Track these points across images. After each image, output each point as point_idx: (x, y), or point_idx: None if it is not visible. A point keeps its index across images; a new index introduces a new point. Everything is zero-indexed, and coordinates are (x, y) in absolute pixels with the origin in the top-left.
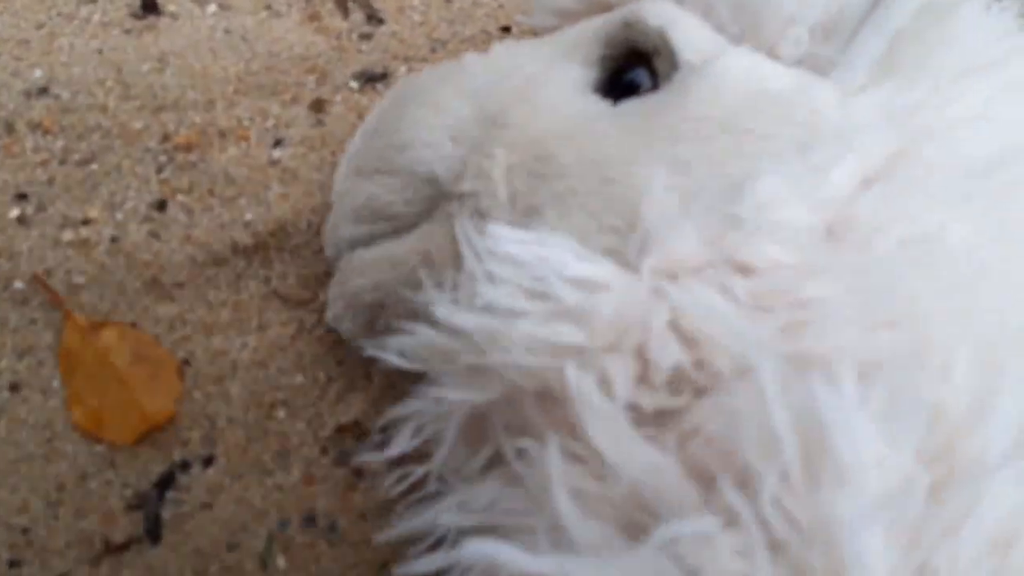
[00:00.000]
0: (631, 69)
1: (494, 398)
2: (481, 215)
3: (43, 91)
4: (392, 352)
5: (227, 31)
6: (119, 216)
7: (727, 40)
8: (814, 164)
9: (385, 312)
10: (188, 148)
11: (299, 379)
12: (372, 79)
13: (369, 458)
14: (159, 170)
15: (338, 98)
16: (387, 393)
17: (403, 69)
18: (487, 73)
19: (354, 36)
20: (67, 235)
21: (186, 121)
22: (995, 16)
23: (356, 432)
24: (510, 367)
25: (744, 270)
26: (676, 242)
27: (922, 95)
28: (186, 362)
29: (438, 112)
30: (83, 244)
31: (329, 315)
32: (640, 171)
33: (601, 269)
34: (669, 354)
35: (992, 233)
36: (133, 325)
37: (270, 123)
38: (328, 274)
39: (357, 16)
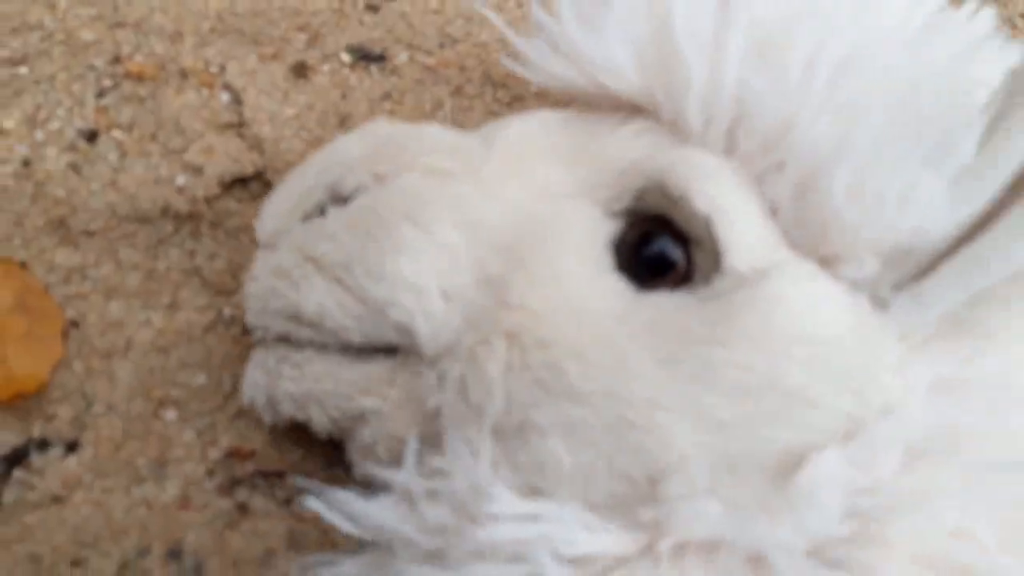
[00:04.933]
0: (659, 234)
1: None
2: (469, 407)
3: None
4: (341, 515)
5: None
6: (39, 136)
7: (779, 235)
8: (859, 459)
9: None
10: (139, 78)
11: (200, 379)
12: (367, 57)
13: None
14: (99, 95)
15: (325, 68)
16: (298, 425)
17: (404, 56)
18: (491, 201)
19: (359, 4)
20: None
21: (145, 47)
22: None
23: (250, 461)
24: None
25: (755, 563)
26: (699, 522)
27: (992, 367)
28: (74, 324)
29: (431, 245)
30: None
31: (247, 395)
32: (665, 419)
33: (608, 544)
34: None
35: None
36: (23, 265)
37: (241, 76)
38: None
39: None
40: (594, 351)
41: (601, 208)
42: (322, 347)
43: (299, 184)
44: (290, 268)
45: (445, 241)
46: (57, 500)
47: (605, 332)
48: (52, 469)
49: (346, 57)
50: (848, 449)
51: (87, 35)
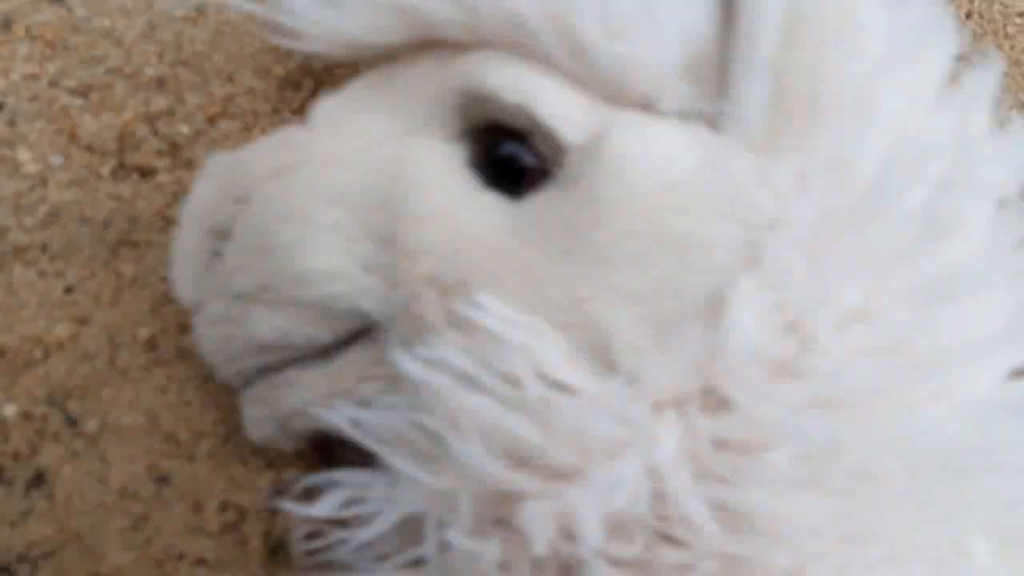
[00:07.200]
0: (502, 142)
1: (445, 488)
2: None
3: None
4: (345, 420)
5: None
6: None
7: (591, 94)
8: (769, 278)
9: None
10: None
11: None
12: None
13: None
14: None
15: None
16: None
17: None
18: (342, 166)
19: None
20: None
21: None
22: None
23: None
24: (467, 462)
25: (720, 406)
26: (662, 377)
27: (833, 145)
28: None
29: (322, 232)
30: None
31: (254, 435)
32: (591, 308)
33: (584, 379)
34: (637, 502)
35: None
36: None
37: None
38: None
39: None
40: (502, 257)
41: (441, 137)
42: (301, 360)
43: (186, 243)
44: (225, 312)
45: (327, 221)
46: None
47: (502, 240)
48: None
49: None
50: (757, 273)
51: (150, 72)
